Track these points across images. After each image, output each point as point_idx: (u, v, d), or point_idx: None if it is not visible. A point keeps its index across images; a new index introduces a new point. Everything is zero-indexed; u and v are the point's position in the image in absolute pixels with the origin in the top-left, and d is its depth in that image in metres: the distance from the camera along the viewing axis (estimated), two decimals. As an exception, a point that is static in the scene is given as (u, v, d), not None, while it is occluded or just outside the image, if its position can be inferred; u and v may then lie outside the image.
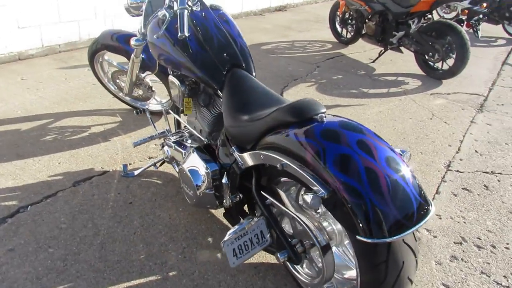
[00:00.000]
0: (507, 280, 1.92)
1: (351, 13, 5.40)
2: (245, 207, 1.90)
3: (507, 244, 2.15)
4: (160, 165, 2.46)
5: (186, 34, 1.76)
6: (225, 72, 1.85)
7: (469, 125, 3.56)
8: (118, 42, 2.70)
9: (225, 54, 1.88)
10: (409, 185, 1.25)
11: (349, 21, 5.52)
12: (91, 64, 3.01)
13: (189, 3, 1.93)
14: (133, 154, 2.68)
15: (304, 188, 1.58)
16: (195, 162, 1.89)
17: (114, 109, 3.27)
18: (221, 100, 1.92)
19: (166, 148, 2.23)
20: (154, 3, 2.13)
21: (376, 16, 4.89)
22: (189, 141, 2.17)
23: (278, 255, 1.56)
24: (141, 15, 2.39)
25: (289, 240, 1.57)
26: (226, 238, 1.55)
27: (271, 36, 6.00)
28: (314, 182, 1.30)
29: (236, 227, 1.59)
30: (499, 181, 2.72)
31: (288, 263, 1.76)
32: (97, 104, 3.35)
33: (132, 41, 2.31)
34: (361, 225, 1.21)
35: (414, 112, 3.72)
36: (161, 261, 1.87)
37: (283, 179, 1.62)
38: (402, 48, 4.84)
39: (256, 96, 1.76)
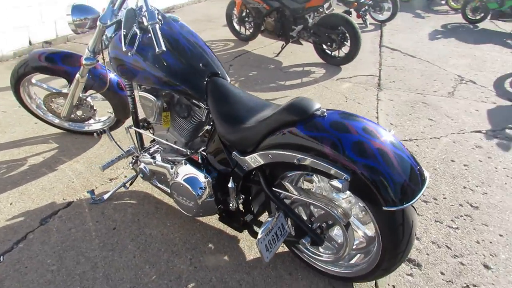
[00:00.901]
0: (455, 223, 2.36)
1: (247, 11, 5.66)
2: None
3: (443, 194, 2.62)
4: (130, 184, 2.39)
5: (164, 48, 1.77)
6: (205, 82, 1.90)
7: (376, 102, 4.11)
8: (55, 62, 2.50)
9: (200, 64, 1.93)
10: (410, 158, 1.52)
11: (247, 18, 5.78)
12: (15, 89, 2.72)
13: (159, 17, 1.93)
14: (91, 179, 2.53)
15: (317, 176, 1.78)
16: (191, 173, 1.92)
17: (43, 135, 3.00)
18: (201, 109, 1.98)
19: (142, 165, 2.19)
20: (105, 19, 2.04)
21: (274, 13, 5.22)
22: (169, 154, 2.16)
23: (303, 241, 1.72)
24: (88, 32, 2.29)
25: (309, 225, 1.73)
26: (259, 236, 1.65)
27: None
28: (336, 169, 1.49)
29: (265, 225, 1.70)
30: (417, 146, 3.25)
31: (304, 252, 1.92)
32: (20, 133, 3.02)
33: (84, 60, 2.19)
34: (385, 197, 1.44)
35: (330, 97, 4.15)
36: (175, 276, 1.87)
37: (290, 173, 1.76)
38: (301, 40, 5.27)
39: (244, 102, 1.86)
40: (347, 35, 4.86)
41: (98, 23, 2.05)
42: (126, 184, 2.37)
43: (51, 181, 2.49)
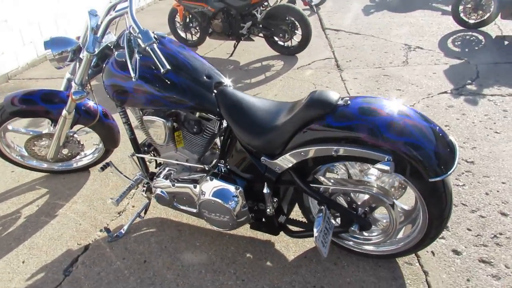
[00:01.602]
0: (460, 180, 2.51)
1: (191, 16, 5.58)
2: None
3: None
4: (145, 213, 2.29)
5: (168, 67, 1.71)
6: (214, 94, 1.87)
7: (343, 83, 4.24)
8: (34, 103, 2.32)
9: (205, 77, 1.90)
10: (439, 129, 1.60)
11: (191, 24, 5.69)
12: None
13: (155, 35, 1.86)
14: (98, 217, 2.39)
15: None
16: (220, 187, 1.89)
17: (26, 182, 2.78)
18: (212, 122, 1.94)
19: (159, 190, 2.10)
20: (91, 48, 1.93)
21: (220, 14, 5.19)
22: (182, 174, 2.10)
23: (352, 228, 1.76)
24: (68, 65, 2.16)
25: (354, 212, 1.77)
26: (315, 234, 1.66)
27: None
28: (377, 153, 1.53)
29: (318, 222, 1.71)
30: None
31: (350, 240, 1.96)
32: (1, 185, 2.77)
33: (73, 95, 2.06)
34: (429, 170, 1.51)
35: (300, 87, 4.22)
36: (227, 294, 1.84)
37: (322, 167, 1.79)
38: (252, 37, 5.29)
39: (258, 106, 1.86)
40: (297, 23, 4.95)
41: (85, 53, 1.93)
42: (141, 214, 2.27)
43: (57, 228, 2.32)
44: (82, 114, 2.36)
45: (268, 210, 1.88)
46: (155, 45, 1.72)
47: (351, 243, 1.97)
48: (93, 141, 2.88)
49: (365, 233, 1.94)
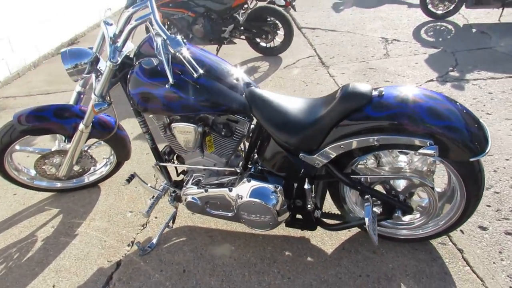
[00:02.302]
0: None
1: (169, 23, 5.51)
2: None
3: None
4: (173, 222, 2.25)
5: (201, 71, 1.71)
6: (244, 95, 1.87)
7: (333, 79, 4.33)
8: (47, 119, 2.22)
9: (233, 79, 1.90)
10: (468, 110, 1.67)
11: (170, 31, 5.63)
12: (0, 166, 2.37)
13: (184, 40, 1.84)
14: (122, 232, 2.33)
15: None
16: (259, 188, 1.89)
17: (33, 204, 2.65)
18: (241, 123, 1.93)
19: (190, 198, 2.07)
20: (114, 58, 1.90)
21: (200, 19, 5.16)
22: (210, 179, 2.08)
23: (396, 214, 1.81)
24: (85, 77, 2.09)
25: (396, 199, 1.82)
26: (367, 223, 1.69)
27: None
28: (419, 138, 1.59)
29: (367, 211, 1.74)
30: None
31: (388, 227, 2.00)
32: (4, 210, 2.63)
33: (96, 107, 2.00)
34: (469, 150, 1.58)
35: (291, 85, 4.27)
36: (277, 293, 1.84)
37: (359, 158, 1.83)
38: (234, 40, 5.29)
39: (289, 103, 1.88)
40: (278, 23, 5.01)
41: (108, 63, 1.88)
42: (169, 224, 2.23)
43: (81, 248, 2.24)
44: (97, 127, 2.29)
45: (308, 205, 1.90)
46: (184, 50, 1.71)
47: (388, 230, 2.01)
48: (102, 154, 2.79)
49: (403, 219, 1.99)
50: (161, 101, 1.84)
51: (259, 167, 1.99)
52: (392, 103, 1.65)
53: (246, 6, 5.22)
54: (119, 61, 1.90)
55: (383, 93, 1.69)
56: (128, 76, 1.93)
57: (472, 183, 1.71)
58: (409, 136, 1.61)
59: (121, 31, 2.04)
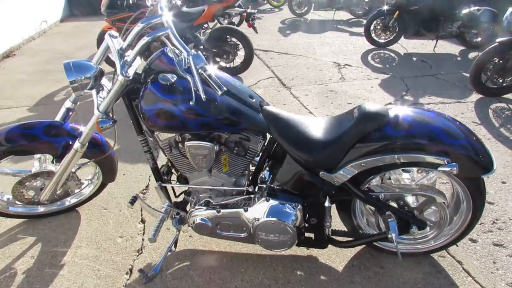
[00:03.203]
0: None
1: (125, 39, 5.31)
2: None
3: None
4: (175, 246, 2.14)
5: (225, 89, 1.69)
6: (260, 113, 1.88)
7: (297, 100, 4.45)
8: (36, 138, 2.01)
9: (247, 96, 1.90)
10: (470, 130, 1.83)
11: (125, 47, 5.42)
12: None
13: (206, 56, 1.80)
14: (116, 259, 2.15)
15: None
16: (278, 207, 1.88)
17: (4, 232, 2.36)
18: (255, 142, 1.92)
19: (199, 219, 1.98)
20: (127, 72, 1.81)
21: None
22: (224, 198, 2.02)
23: (412, 230, 1.89)
24: (86, 93, 1.95)
25: (411, 214, 1.91)
26: (395, 239, 1.75)
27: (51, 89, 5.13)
28: (438, 156, 1.71)
29: (392, 227, 1.80)
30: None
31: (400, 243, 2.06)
32: (-35, 241, 2.31)
33: (100, 124, 1.86)
34: (481, 167, 1.73)
35: (259, 105, 4.30)
36: (300, 314, 1.82)
37: (375, 176, 1.90)
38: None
39: (305, 122, 1.91)
40: (239, 44, 5.08)
41: (120, 78, 1.77)
42: (172, 248, 2.11)
43: (72, 279, 2.03)
44: (90, 146, 2.12)
45: (327, 223, 1.92)
46: (207, 67, 1.68)
47: (400, 245, 2.09)
48: (84, 175, 2.57)
49: (418, 233, 2.06)
50: (178, 119, 1.77)
51: (275, 186, 1.98)
52: (410, 123, 1.75)
53: (206, 25, 5.24)
54: (131, 76, 1.80)
55: (398, 113, 1.78)
56: (142, 92, 1.83)
57: (478, 197, 1.86)
58: (428, 154, 1.71)
59: (129, 45, 1.95)
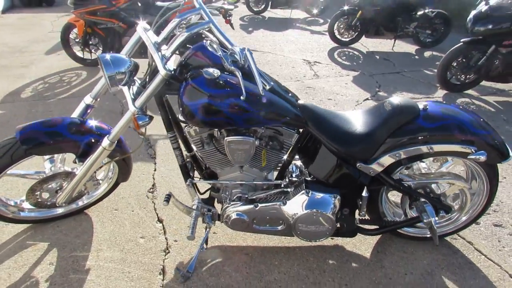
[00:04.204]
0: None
1: (91, 32, 5.07)
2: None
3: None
4: (206, 243, 2.11)
5: (272, 83, 1.73)
6: (297, 108, 1.92)
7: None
8: (61, 136, 1.88)
9: (284, 91, 1.93)
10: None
11: (93, 41, 5.18)
12: None
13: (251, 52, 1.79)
14: (144, 260, 2.08)
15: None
16: (319, 199, 1.93)
17: (7, 241, 2.18)
18: (289, 136, 1.96)
19: (235, 215, 1.98)
20: (169, 66, 1.76)
21: (132, 30, 4.88)
22: (256, 193, 2.03)
23: (441, 214, 2.02)
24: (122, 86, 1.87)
25: (438, 200, 2.05)
26: (433, 222, 1.86)
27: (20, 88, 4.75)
28: (466, 145, 1.86)
29: (430, 212, 1.91)
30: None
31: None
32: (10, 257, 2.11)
33: (138, 120, 1.79)
34: (501, 154, 1.91)
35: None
36: (343, 300, 1.89)
37: (406, 165, 2.01)
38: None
39: (339, 116, 1.99)
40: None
41: (162, 72, 1.72)
42: (204, 246, 2.08)
43: (103, 284, 1.93)
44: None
45: (362, 212, 2.01)
46: (252, 62, 1.69)
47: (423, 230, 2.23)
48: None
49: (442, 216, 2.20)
50: (224, 114, 1.76)
51: (310, 179, 2.02)
52: (440, 116, 1.88)
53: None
54: (173, 71, 1.76)
55: (427, 107, 1.91)
56: (183, 87, 1.78)
57: (494, 182, 2.04)
58: (457, 144, 1.85)
59: (166, 39, 1.90)
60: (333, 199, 1.94)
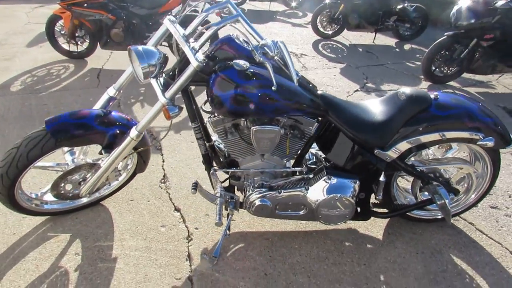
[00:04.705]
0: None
1: (78, 24, 4.97)
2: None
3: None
4: (229, 230, 2.18)
5: (300, 74, 1.82)
6: (318, 98, 2.02)
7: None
8: (90, 127, 1.90)
9: (307, 83, 2.02)
10: None
11: (80, 33, 5.09)
12: (10, 193, 1.92)
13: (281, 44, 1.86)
14: (169, 247, 2.13)
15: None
16: (340, 183, 2.04)
17: (29, 233, 2.17)
18: (309, 125, 2.05)
19: (258, 201, 2.05)
20: (200, 58, 1.81)
21: (121, 23, 4.84)
22: (277, 180, 2.12)
23: (450, 197, 2.17)
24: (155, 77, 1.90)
25: (447, 183, 2.20)
26: (448, 203, 2.00)
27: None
28: (474, 132, 2.01)
29: (444, 195, 2.05)
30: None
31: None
32: (-14, 244, 2.10)
33: (171, 112, 1.83)
34: (506, 140, 2.07)
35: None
36: (363, 279, 2.01)
37: (416, 152, 2.15)
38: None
39: (357, 106, 2.10)
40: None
41: (195, 64, 1.77)
42: (227, 232, 2.15)
43: (133, 271, 1.97)
44: (140, 135, 2.06)
45: (378, 196, 2.13)
46: (285, 53, 1.76)
47: (433, 212, 2.38)
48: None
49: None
50: (255, 104, 1.83)
51: (330, 165, 2.13)
52: (451, 105, 2.02)
53: (174, 13, 5.10)
54: (204, 63, 1.81)
55: (438, 96, 2.05)
56: (213, 79, 1.84)
57: (497, 166, 2.21)
58: (467, 131, 2.00)
59: (194, 31, 1.95)
60: (353, 183, 2.05)
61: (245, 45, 1.88)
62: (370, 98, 4.23)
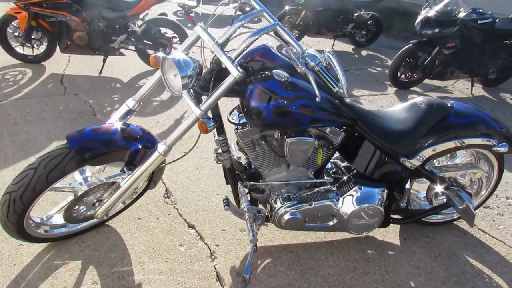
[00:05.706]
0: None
1: (34, 25, 4.58)
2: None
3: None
4: (256, 246, 2.10)
5: (340, 86, 1.81)
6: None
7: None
8: (117, 143, 1.71)
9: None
10: None
11: (36, 35, 4.68)
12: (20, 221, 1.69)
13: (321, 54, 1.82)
14: (195, 268, 2.00)
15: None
16: (370, 193, 2.04)
17: (30, 263, 1.92)
18: (336, 135, 2.05)
19: (288, 215, 1.99)
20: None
21: (85, 25, 4.52)
22: (304, 192, 2.08)
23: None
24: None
25: (462, 187, 2.29)
26: (472, 207, 2.07)
27: None
28: (489, 139, 2.13)
29: (466, 197, 2.11)
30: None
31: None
32: (-16, 279, 1.83)
33: (207, 124, 1.72)
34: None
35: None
36: (392, 286, 2.03)
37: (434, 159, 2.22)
38: (123, 51, 4.85)
39: (382, 115, 2.13)
40: (176, 36, 4.92)
41: (236, 74, 1.68)
42: (255, 248, 2.07)
43: (162, 297, 1.83)
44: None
45: (402, 204, 2.16)
46: (320, 65, 1.74)
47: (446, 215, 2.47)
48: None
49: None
50: (294, 115, 1.78)
51: (355, 174, 2.12)
52: (467, 113, 2.12)
53: (141, 16, 4.89)
54: (244, 73, 1.73)
55: (454, 105, 2.14)
56: (251, 89, 1.77)
57: (502, 169, 2.34)
58: (482, 137, 2.11)
59: (228, 40, 1.86)
60: (381, 192, 2.06)
61: (291, 55, 1.82)
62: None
